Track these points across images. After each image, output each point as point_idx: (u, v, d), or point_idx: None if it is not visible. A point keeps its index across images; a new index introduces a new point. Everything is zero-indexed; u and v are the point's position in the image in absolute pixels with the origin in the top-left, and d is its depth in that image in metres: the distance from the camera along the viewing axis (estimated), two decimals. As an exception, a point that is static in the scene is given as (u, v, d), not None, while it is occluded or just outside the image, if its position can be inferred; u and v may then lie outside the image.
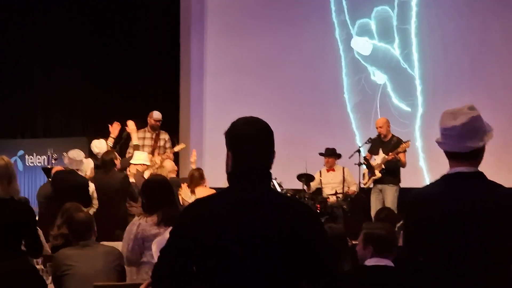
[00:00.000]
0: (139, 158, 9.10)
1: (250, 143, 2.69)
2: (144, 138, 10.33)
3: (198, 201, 2.81)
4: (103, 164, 8.64)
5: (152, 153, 10.19)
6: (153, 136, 10.37)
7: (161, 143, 10.36)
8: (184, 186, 8.76)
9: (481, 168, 3.16)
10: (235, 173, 2.72)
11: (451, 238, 3.03)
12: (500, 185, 3.12)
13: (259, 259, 2.59)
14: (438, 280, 3.05)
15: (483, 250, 3.00)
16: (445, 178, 3.14)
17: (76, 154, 8.41)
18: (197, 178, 8.77)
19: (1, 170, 4.83)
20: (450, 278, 3.02)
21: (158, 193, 5.02)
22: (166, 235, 4.52)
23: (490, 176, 3.15)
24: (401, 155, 9.72)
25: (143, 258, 4.86)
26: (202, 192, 8.58)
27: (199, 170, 8.97)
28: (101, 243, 5.41)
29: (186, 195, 8.59)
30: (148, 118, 10.44)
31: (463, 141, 3.07)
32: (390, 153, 9.68)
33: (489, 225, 3.01)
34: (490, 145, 3.18)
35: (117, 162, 8.64)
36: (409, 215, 3.22)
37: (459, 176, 3.09)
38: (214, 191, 8.63)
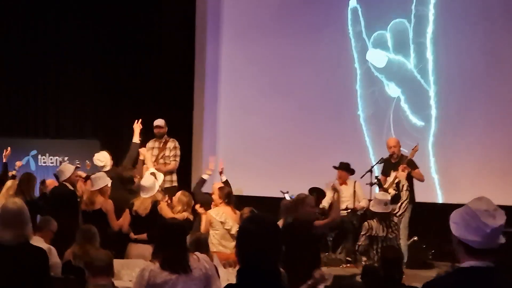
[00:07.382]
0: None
1: (253, 240, 2.73)
2: (152, 148, 10.24)
3: None
4: (121, 181, 8.60)
5: (156, 161, 10.01)
6: (160, 145, 10.20)
7: (167, 152, 10.15)
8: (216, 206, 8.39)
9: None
10: (241, 271, 2.76)
11: None
12: None
13: None
14: None
15: None
16: (459, 272, 3.01)
17: (66, 167, 8.79)
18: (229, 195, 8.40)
19: (15, 215, 4.35)
20: None
21: (169, 237, 4.78)
22: None
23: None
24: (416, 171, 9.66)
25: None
26: (229, 213, 8.30)
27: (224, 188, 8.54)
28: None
29: (219, 214, 8.26)
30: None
31: (497, 238, 2.99)
32: (400, 166, 9.55)
33: None
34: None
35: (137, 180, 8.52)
36: None
37: (475, 270, 2.98)
38: (238, 212, 8.30)
